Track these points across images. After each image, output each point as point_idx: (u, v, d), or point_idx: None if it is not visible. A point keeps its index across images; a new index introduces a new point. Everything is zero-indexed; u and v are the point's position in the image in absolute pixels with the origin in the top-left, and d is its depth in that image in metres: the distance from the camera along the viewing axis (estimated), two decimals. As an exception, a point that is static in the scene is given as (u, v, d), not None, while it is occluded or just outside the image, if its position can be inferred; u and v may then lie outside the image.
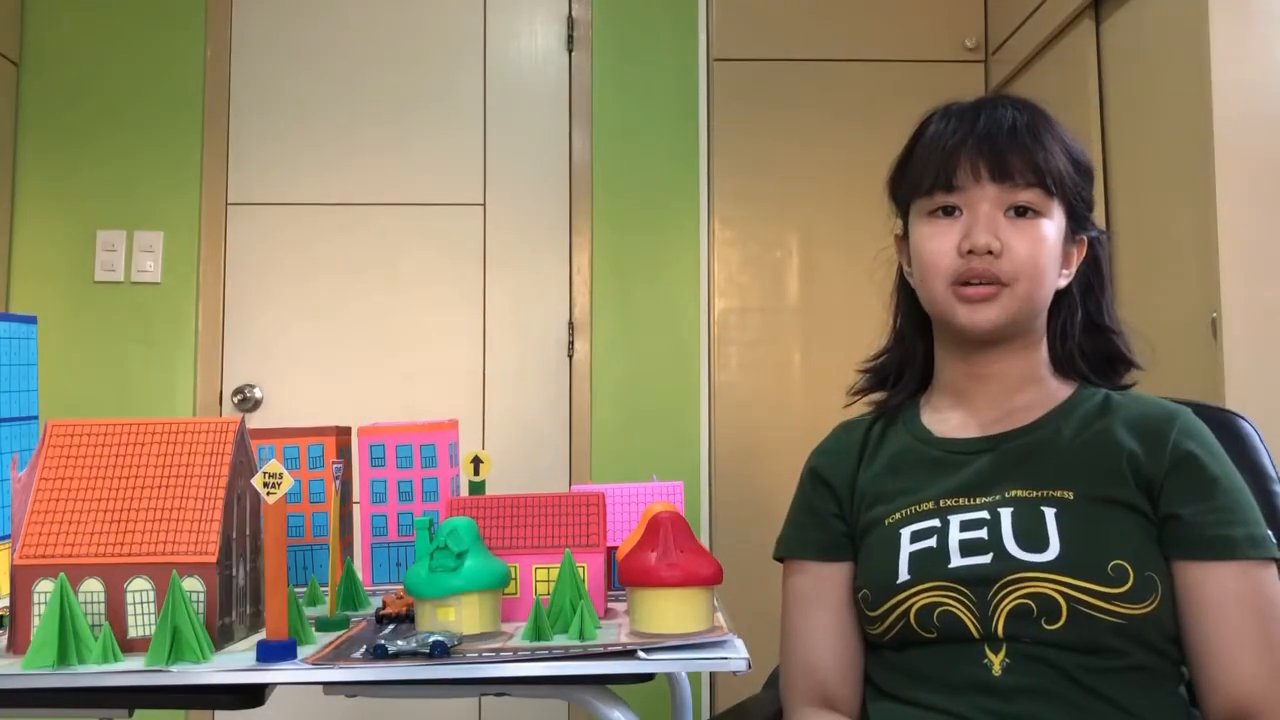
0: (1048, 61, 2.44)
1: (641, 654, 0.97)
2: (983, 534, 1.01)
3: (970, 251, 1.04)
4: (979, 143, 1.05)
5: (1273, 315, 1.69)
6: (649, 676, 0.98)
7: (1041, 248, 1.05)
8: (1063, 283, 1.10)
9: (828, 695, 1.09)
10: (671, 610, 1.02)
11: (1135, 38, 2.06)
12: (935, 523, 1.04)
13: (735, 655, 0.97)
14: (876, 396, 1.22)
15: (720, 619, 1.09)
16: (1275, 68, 1.73)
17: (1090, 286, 1.14)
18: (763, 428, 2.69)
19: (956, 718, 0.98)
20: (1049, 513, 1.00)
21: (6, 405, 1.31)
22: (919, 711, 1.01)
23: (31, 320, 1.37)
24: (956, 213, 1.07)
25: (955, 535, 1.02)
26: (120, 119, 2.88)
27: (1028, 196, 1.05)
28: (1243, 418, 1.26)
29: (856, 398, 1.22)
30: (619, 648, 0.99)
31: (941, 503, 1.06)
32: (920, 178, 1.09)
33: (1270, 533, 0.99)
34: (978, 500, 1.04)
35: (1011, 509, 1.02)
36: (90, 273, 2.84)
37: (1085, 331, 1.13)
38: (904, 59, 2.78)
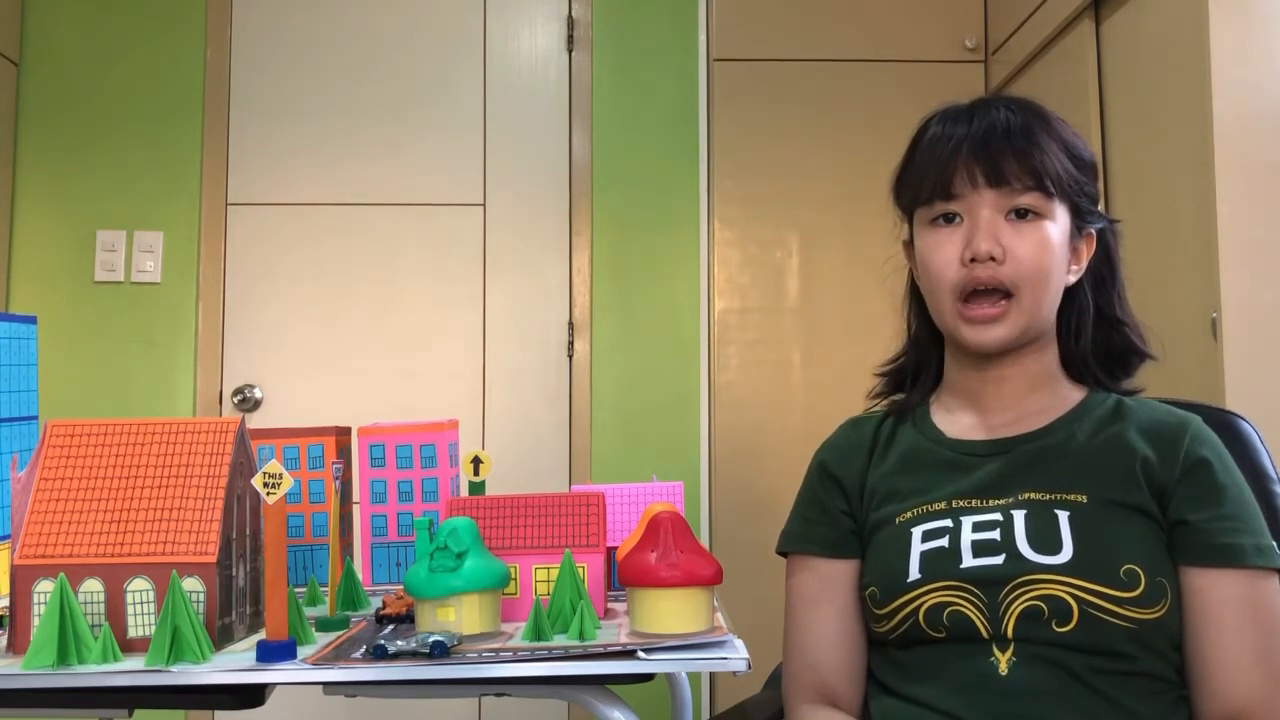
0: (1048, 61, 2.44)
1: (641, 654, 0.97)
2: (995, 535, 1.01)
3: (973, 259, 1.04)
4: (974, 148, 1.05)
5: (1273, 315, 1.69)
6: (649, 676, 0.98)
7: (1045, 251, 1.04)
8: (1072, 279, 1.10)
9: (830, 693, 1.09)
10: (671, 610, 1.02)
11: (1135, 38, 2.06)
12: (947, 523, 1.04)
13: (735, 655, 0.97)
14: (892, 397, 1.21)
15: (720, 619, 1.08)
16: (1275, 68, 1.73)
17: (1101, 279, 1.13)
18: (763, 428, 2.69)
19: (959, 716, 0.98)
20: (1062, 516, 1.00)
21: (6, 405, 1.31)
22: (921, 709, 1.01)
23: (31, 320, 1.37)
24: (958, 219, 1.06)
25: (967, 536, 1.02)
26: (120, 119, 2.89)
27: (1027, 200, 1.04)
28: (1242, 418, 1.26)
29: (875, 402, 1.22)
30: (619, 648, 0.99)
31: (954, 503, 1.05)
32: (919, 186, 1.09)
33: (1275, 544, 0.99)
34: (991, 502, 1.04)
35: (1025, 511, 1.02)
36: (90, 273, 2.84)
37: (1096, 326, 1.12)
38: (904, 59, 2.78)
